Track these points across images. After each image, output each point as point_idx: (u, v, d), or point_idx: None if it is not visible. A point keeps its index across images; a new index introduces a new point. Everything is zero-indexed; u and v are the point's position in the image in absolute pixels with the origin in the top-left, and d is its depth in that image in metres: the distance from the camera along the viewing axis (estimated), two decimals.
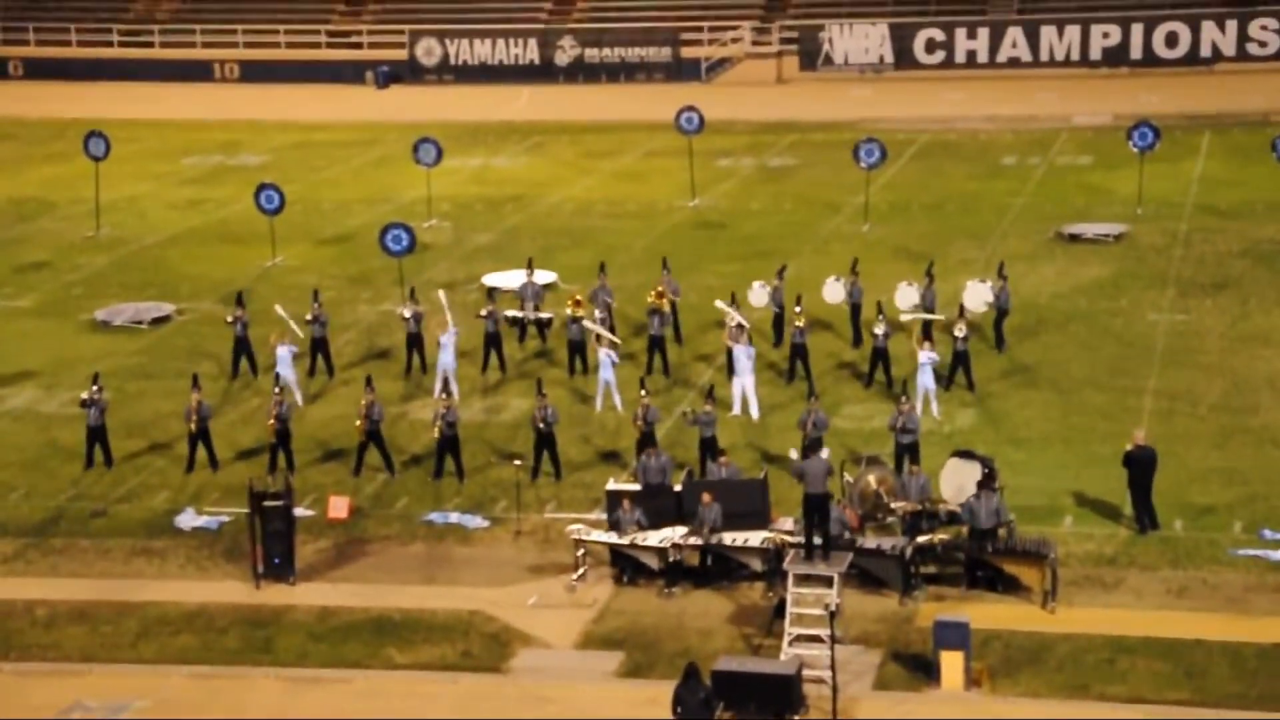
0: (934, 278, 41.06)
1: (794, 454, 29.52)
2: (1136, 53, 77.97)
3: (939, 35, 79.49)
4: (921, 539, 28.99)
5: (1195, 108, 68.98)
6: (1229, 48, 77.31)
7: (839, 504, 29.09)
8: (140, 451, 36.33)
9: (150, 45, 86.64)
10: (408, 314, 40.35)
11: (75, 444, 36.07)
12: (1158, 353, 40.15)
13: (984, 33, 79.26)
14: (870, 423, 36.01)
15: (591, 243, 51.43)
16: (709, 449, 33.05)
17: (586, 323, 39.25)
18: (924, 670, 26.12)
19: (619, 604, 28.90)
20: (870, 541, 29.03)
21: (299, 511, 31.46)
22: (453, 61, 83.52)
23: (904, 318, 38.67)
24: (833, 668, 25.18)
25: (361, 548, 31.52)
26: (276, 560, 29.90)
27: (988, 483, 29.08)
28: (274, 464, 34.59)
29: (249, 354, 40.45)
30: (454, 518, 32.50)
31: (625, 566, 29.61)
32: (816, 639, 26.25)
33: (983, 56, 79.18)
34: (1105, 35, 78.20)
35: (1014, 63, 78.71)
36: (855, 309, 41.05)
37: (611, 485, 31.29)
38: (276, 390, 35.25)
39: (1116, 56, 78.11)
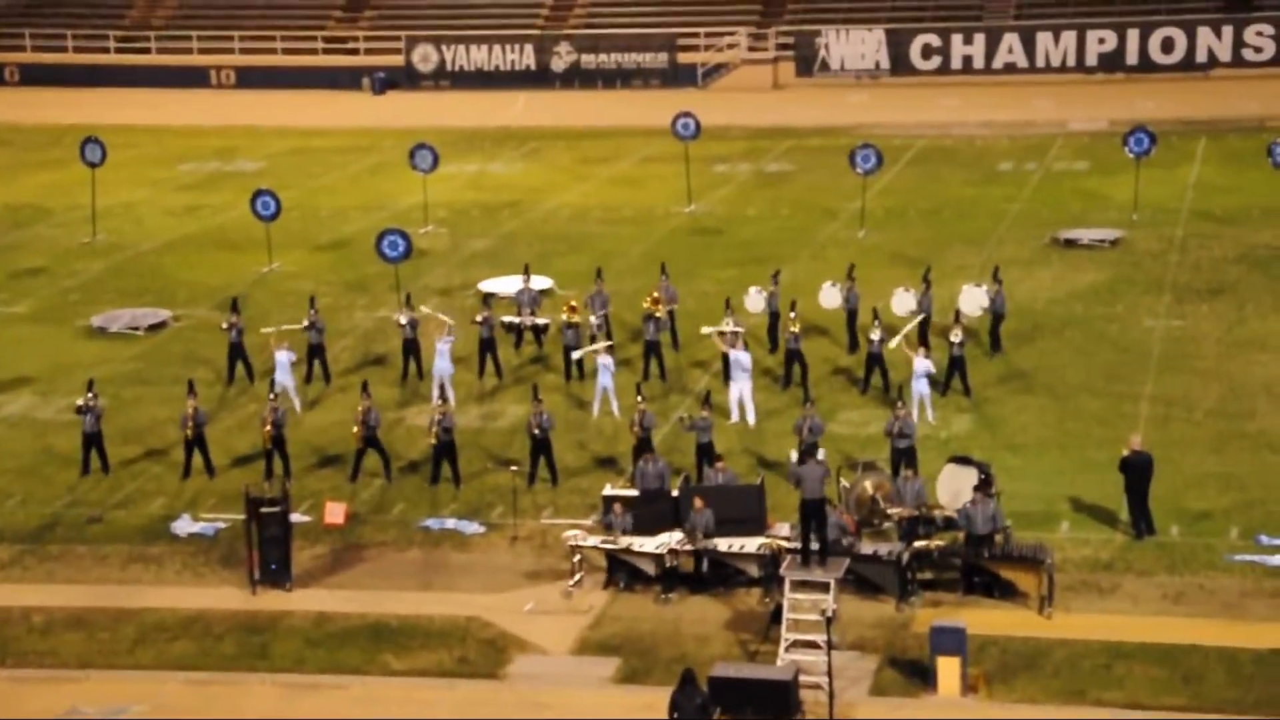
0: (930, 283, 41.09)
1: (793, 455, 29.53)
2: (1132, 58, 78.05)
3: (935, 41, 79.54)
4: (918, 544, 29.01)
5: (1191, 113, 69.04)
6: (1225, 53, 77.36)
7: (836, 509, 29.09)
8: (137, 458, 36.33)
9: (147, 51, 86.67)
10: (404, 320, 40.38)
11: (71, 450, 36.06)
12: (1154, 358, 40.17)
13: (980, 38, 79.33)
14: (866, 428, 36.01)
15: (588, 248, 51.45)
16: (706, 454, 33.05)
17: (577, 354, 39.20)
18: (920, 676, 26.12)
19: (615, 610, 28.89)
20: (867, 547, 29.03)
21: (295, 517, 31.43)
22: (449, 67, 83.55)
23: (897, 342, 38.03)
24: (829, 673, 25.17)
25: (358, 553, 31.52)
26: (273, 566, 29.91)
27: (984, 488, 29.08)
28: (270, 470, 34.59)
29: (245, 360, 40.46)
30: (450, 523, 32.50)
31: (621, 572, 29.61)
32: (813, 644, 26.25)
33: (979, 62, 79.23)
34: (1101, 41, 78.27)
35: (1010, 68, 78.77)
36: (851, 314, 41.04)
37: (608, 491, 31.31)
38: (272, 396, 35.24)
39: (1112, 62, 78.18)
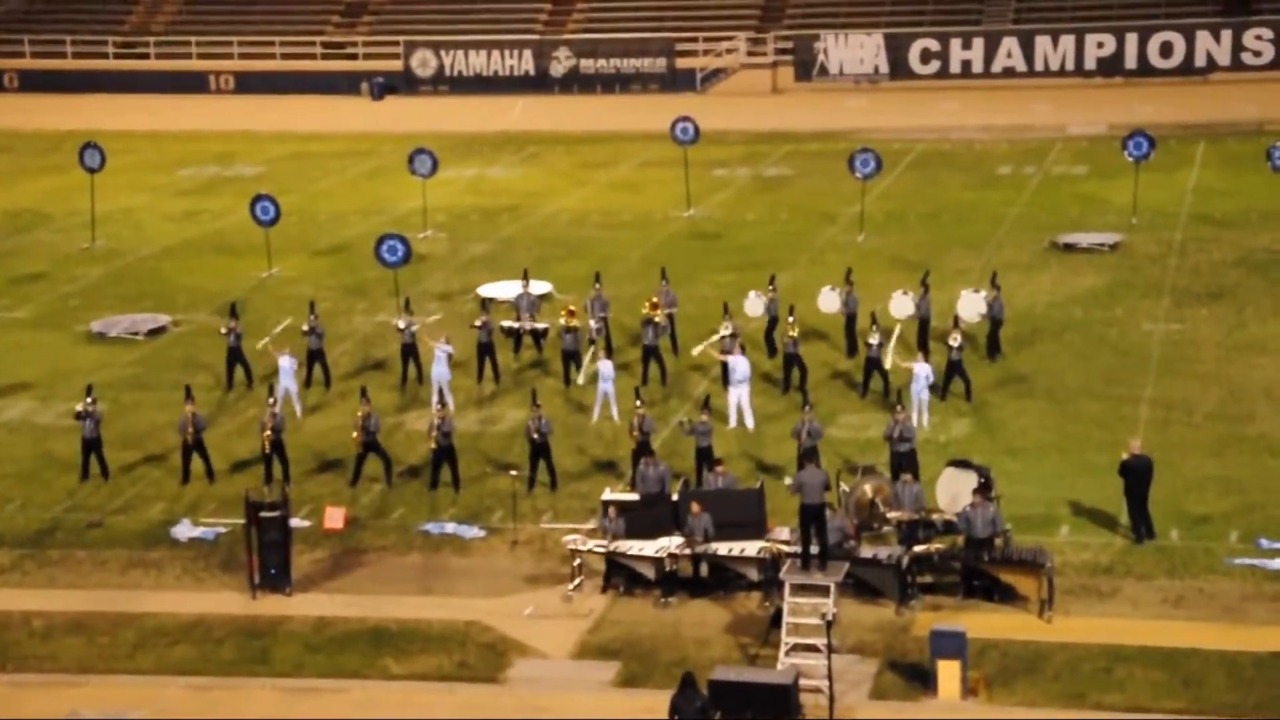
0: (929, 287, 41.10)
1: (788, 481, 29.55)
2: (1131, 62, 78.06)
3: (934, 45, 79.56)
4: (918, 548, 29.00)
5: (1190, 117, 69.07)
6: (1223, 57, 77.37)
7: (837, 513, 29.06)
8: (136, 463, 36.32)
9: (146, 57, 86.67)
10: (402, 325, 40.38)
11: (71, 455, 36.05)
12: (1153, 362, 40.17)
13: (979, 43, 79.34)
14: (866, 432, 36.01)
15: (587, 253, 51.46)
16: (705, 458, 33.06)
17: (580, 378, 39.20)
18: (920, 679, 26.12)
19: (615, 614, 28.89)
20: (867, 551, 29.02)
21: (295, 522, 31.46)
22: (448, 73, 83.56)
23: (891, 362, 37.92)
24: (829, 677, 25.19)
25: (358, 558, 31.51)
26: (273, 571, 29.91)
27: (984, 492, 29.08)
28: (269, 475, 34.58)
29: (244, 364, 40.46)
30: (450, 528, 32.49)
31: (620, 576, 29.60)
32: (813, 648, 26.26)
33: (978, 66, 79.25)
34: (1100, 45, 78.27)
35: (1009, 72, 78.80)
36: (850, 319, 41.04)
37: (608, 495, 31.30)
38: (271, 400, 35.25)
39: (1111, 66, 78.20)
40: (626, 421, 34.98)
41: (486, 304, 41.98)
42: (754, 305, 41.00)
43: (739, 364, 36.84)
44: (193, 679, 27.46)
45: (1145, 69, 77.83)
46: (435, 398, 36.91)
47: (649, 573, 29.29)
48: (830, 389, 38.97)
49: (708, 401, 34.42)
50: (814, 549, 27.59)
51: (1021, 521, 30.69)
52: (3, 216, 60.05)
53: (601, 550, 29.62)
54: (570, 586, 29.64)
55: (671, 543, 29.36)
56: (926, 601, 28.68)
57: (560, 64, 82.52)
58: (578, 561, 29.76)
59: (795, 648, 26.65)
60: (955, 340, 37.64)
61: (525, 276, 43.02)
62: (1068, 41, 78.43)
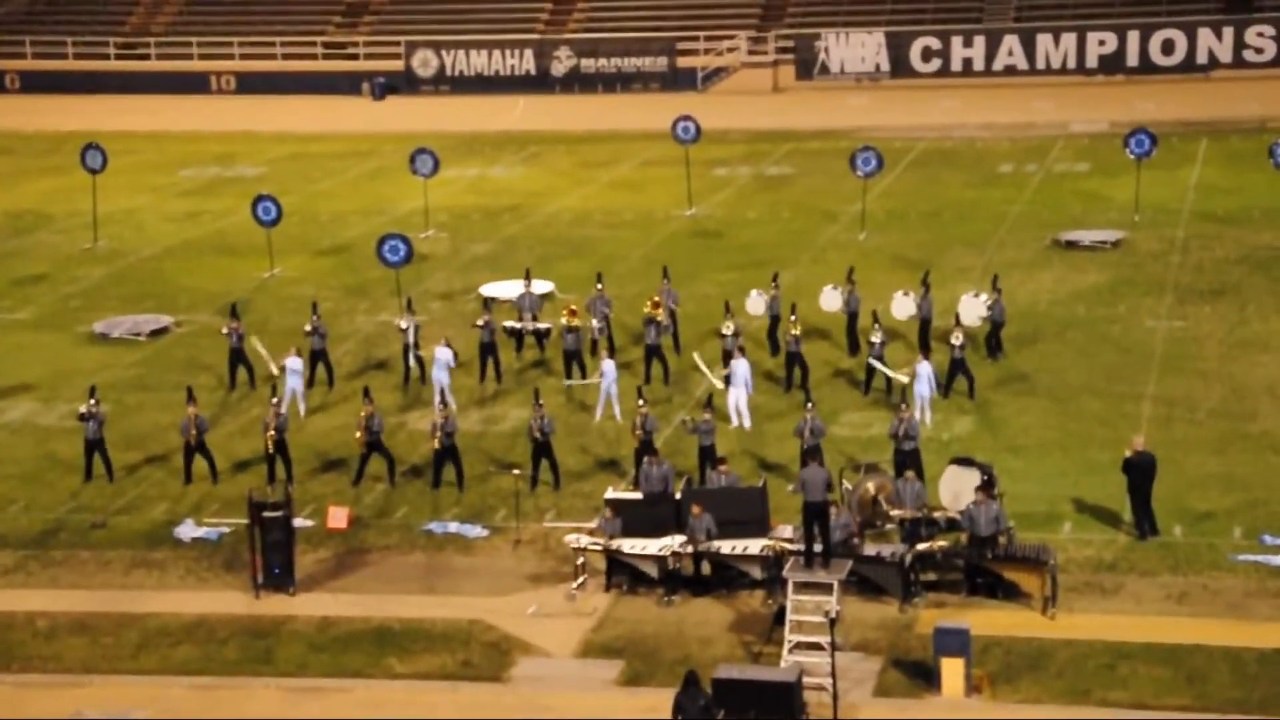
0: (930, 286, 41.08)
1: (791, 488, 29.54)
2: (1133, 60, 78.07)
3: (935, 43, 79.56)
4: (921, 546, 29.00)
5: (1192, 114, 69.08)
6: (1225, 55, 77.38)
7: (841, 510, 29.05)
8: (139, 463, 36.33)
9: (147, 58, 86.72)
10: (404, 325, 40.39)
11: (74, 456, 36.07)
12: (1156, 359, 40.17)
13: (980, 41, 79.36)
14: (868, 430, 36.02)
15: (589, 252, 51.47)
16: (708, 457, 33.06)
17: (572, 383, 39.17)
18: (924, 677, 26.11)
19: (619, 612, 28.89)
20: (870, 548, 29.03)
21: (298, 522, 31.45)
22: (449, 72, 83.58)
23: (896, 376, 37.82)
24: (833, 675, 25.18)
25: (361, 558, 31.51)
26: (276, 571, 29.91)
27: (987, 489, 29.08)
28: (272, 475, 34.60)
29: (246, 365, 40.48)
30: (453, 527, 32.50)
31: (622, 575, 29.60)
32: (817, 646, 26.25)
33: (979, 65, 79.27)
34: (1101, 43, 78.29)
35: (1010, 71, 78.82)
36: (852, 317, 41.04)
37: (610, 494, 31.31)
38: (274, 401, 35.27)
39: (1113, 64, 78.20)
40: (629, 421, 34.98)
41: (488, 304, 41.98)
42: (756, 304, 41.02)
43: (738, 366, 36.84)
44: (196, 679, 27.47)
45: (1147, 66, 77.84)
46: (437, 397, 36.93)
47: (652, 571, 29.30)
48: (832, 387, 38.97)
49: (710, 400, 34.41)
50: (817, 547, 27.59)
51: (1025, 519, 30.69)
52: (4, 217, 60.07)
53: (595, 549, 29.59)
54: (574, 585, 29.64)
55: (675, 541, 29.37)
56: (930, 599, 28.68)
57: (561, 63, 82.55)
58: (581, 560, 29.76)
59: (799, 646, 26.65)
60: (957, 339, 37.61)
61: (527, 276, 43.01)
62: (1069, 39, 78.44)
